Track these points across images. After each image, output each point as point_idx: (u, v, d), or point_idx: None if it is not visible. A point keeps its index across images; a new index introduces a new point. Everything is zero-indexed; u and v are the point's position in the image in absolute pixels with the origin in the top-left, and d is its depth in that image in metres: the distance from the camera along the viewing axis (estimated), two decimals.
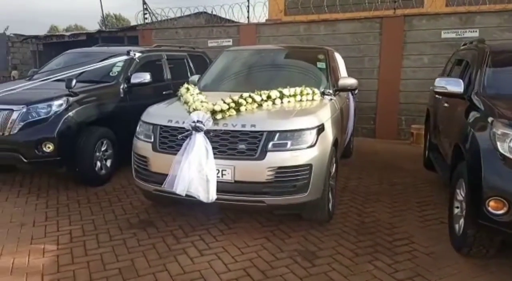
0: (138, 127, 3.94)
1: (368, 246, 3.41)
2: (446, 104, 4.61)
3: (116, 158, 5.30)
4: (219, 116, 3.44)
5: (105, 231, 3.69)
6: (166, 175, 3.47)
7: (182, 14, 10.09)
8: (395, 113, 8.20)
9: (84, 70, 5.32)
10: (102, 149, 5.05)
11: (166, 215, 4.09)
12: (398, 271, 3.02)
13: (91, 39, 12.66)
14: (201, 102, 3.60)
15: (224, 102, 3.52)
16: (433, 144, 5.36)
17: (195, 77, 5.20)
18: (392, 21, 7.98)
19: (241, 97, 3.63)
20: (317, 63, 4.88)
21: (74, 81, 4.65)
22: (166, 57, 6.57)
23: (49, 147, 4.41)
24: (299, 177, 3.35)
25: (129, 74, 5.64)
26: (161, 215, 4.08)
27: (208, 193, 3.24)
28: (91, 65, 5.43)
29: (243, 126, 3.38)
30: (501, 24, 7.36)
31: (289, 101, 3.89)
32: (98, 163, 4.98)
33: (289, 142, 3.35)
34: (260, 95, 3.71)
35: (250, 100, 3.62)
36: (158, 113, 3.86)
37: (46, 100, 4.51)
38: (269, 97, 3.76)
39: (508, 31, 7.32)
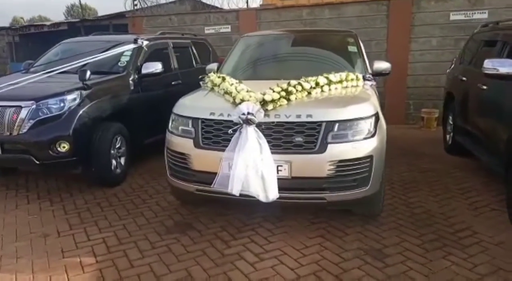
0: (171, 122, 3.56)
1: (433, 240, 3.19)
2: (484, 87, 4.42)
3: (129, 155, 4.88)
4: (270, 107, 3.12)
5: (142, 238, 3.33)
6: (211, 173, 3.15)
7: None
8: (403, 98, 8.04)
9: (89, 60, 4.84)
10: (116, 146, 4.63)
11: (202, 215, 3.75)
12: (477, 266, 2.81)
13: (73, 28, 11.91)
14: (247, 91, 3.26)
15: (273, 91, 3.19)
16: (462, 128, 5.18)
17: (213, 66, 4.81)
18: (399, 3, 7.75)
19: (289, 84, 3.31)
20: (348, 47, 4.59)
21: (88, 73, 4.19)
22: (172, 45, 6.13)
23: (64, 147, 3.97)
24: (360, 170, 3.09)
25: (138, 64, 5.20)
26: (196, 216, 3.75)
27: (267, 192, 2.92)
28: (97, 55, 4.96)
29: (298, 116, 3.07)
30: (510, 5, 7.25)
31: (336, 88, 3.59)
32: (114, 162, 4.55)
33: (349, 133, 3.07)
34: (309, 82, 3.39)
35: (299, 87, 3.31)
36: (196, 106, 3.49)
37: (58, 94, 4.04)
38: (317, 84, 3.45)
39: None
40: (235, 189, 2.94)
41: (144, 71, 5.10)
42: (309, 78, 3.45)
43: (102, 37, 5.99)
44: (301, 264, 2.88)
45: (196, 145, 3.23)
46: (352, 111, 3.14)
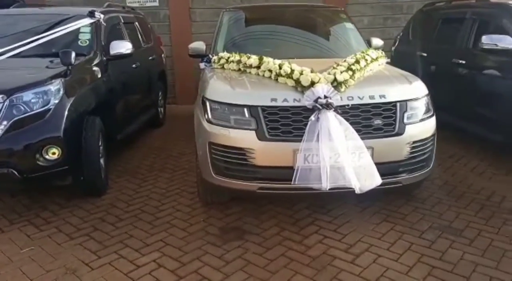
0: (210, 111, 2.99)
1: (481, 209, 3.35)
2: (461, 61, 4.78)
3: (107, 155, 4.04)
4: (343, 88, 2.83)
5: (202, 253, 2.77)
6: (281, 168, 2.80)
7: None
8: None
9: (43, 39, 3.80)
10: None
11: (242, 216, 3.29)
12: None
13: None
14: (311, 72, 2.89)
15: (341, 71, 2.91)
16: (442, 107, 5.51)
17: (198, 44, 4.21)
18: None
19: (346, 62, 3.06)
20: (345, 24, 4.47)
21: (73, 55, 3.25)
22: (123, 21, 5.20)
23: (53, 153, 3.04)
24: (427, 150, 3.07)
25: (102, 43, 4.27)
26: (236, 217, 3.28)
27: (364, 181, 2.67)
28: (50, 33, 3.91)
29: (372, 97, 2.87)
30: None
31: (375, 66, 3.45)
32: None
33: (418, 112, 3.00)
34: (360, 60, 3.18)
35: (358, 66, 3.07)
36: (246, 91, 2.99)
37: (37, 84, 3.04)
38: (365, 61, 3.26)
39: None
40: (328, 182, 2.63)
41: (112, 52, 4.21)
42: (358, 56, 3.25)
43: (35, 10, 4.76)
44: (398, 253, 2.74)
45: (261, 137, 2.78)
46: (417, 89, 3.09)
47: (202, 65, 3.91)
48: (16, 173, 2.93)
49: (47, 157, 3.02)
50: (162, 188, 3.94)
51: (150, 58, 5.87)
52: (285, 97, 2.82)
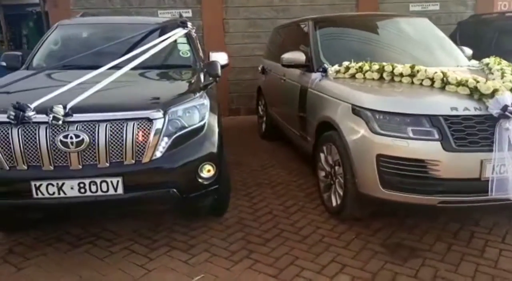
0: (375, 122, 2.84)
1: None
2: None
3: None
4: None
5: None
6: (464, 180, 2.69)
7: None
8: None
9: (150, 52, 3.51)
10: None
11: (406, 234, 3.10)
12: None
13: None
14: (488, 79, 2.83)
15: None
16: None
17: (297, 54, 4.07)
18: None
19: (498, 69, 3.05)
20: (437, 33, 4.47)
21: (218, 66, 3.01)
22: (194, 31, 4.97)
23: (208, 171, 2.76)
24: None
25: (201, 54, 4.05)
26: (387, 233, 3.14)
27: None
28: (155, 43, 3.63)
29: None
30: None
31: None
32: None
33: None
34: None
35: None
36: (422, 100, 2.89)
37: (191, 98, 2.79)
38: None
39: (461, 5, 8.31)
40: None
41: None
42: (504, 63, 3.25)
43: (120, 19, 4.50)
44: None
45: (447, 148, 2.66)
46: None
47: (316, 75, 3.77)
48: (177, 193, 2.64)
49: (203, 175, 2.76)
50: (278, 204, 3.73)
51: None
52: (465, 106, 2.73)
